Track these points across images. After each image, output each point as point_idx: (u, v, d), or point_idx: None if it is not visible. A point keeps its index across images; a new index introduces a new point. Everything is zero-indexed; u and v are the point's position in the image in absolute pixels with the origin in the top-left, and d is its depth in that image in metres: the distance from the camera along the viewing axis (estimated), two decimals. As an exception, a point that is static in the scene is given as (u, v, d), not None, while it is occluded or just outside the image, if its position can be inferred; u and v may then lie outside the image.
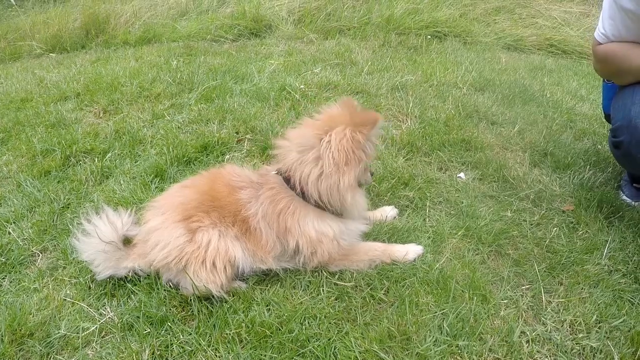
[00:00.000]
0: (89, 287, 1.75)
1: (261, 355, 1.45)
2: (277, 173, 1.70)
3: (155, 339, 1.51)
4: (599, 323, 1.60)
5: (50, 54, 5.90)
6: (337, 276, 1.77)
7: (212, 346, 1.49)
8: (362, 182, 1.79)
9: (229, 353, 1.46)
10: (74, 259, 1.86)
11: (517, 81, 4.09)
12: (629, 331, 1.56)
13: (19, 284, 1.82)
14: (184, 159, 2.63)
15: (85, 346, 1.54)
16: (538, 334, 1.55)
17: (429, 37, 5.41)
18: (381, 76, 3.94)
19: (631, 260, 1.90)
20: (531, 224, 2.12)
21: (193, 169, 2.54)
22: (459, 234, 2.02)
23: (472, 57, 4.79)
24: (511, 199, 2.29)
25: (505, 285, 1.76)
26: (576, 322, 1.60)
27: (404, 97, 3.45)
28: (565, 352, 1.50)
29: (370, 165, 1.82)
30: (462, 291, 1.70)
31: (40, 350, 1.51)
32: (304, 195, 1.66)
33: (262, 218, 1.67)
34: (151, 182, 2.42)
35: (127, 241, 1.81)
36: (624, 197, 2.31)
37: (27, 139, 3.01)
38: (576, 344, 1.52)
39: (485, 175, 2.49)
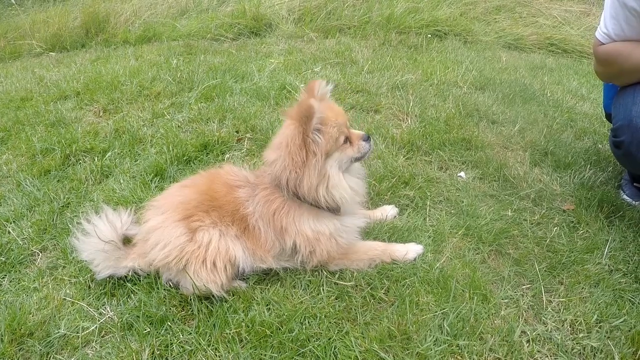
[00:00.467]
0: (89, 287, 1.75)
1: (261, 354, 1.45)
2: (271, 180, 1.70)
3: (155, 338, 1.51)
4: (600, 323, 1.60)
5: (50, 53, 5.89)
6: (337, 276, 1.77)
7: (212, 346, 1.48)
8: (357, 156, 1.72)
9: (229, 352, 1.46)
10: (73, 258, 1.86)
11: (518, 80, 4.08)
12: (629, 331, 1.56)
13: (18, 283, 1.82)
14: (184, 158, 2.62)
15: (85, 346, 1.54)
16: (538, 334, 1.55)
17: (430, 36, 5.40)
18: (381, 75, 3.93)
19: (632, 260, 1.89)
20: (532, 224, 2.11)
21: (193, 168, 2.54)
22: (460, 233, 2.01)
23: (473, 56, 4.78)
24: (512, 198, 2.29)
25: (505, 284, 1.75)
26: (577, 322, 1.59)
27: (405, 96, 3.44)
28: (566, 351, 1.50)
29: (365, 131, 1.76)
30: (463, 291, 1.70)
31: (40, 349, 1.51)
32: (297, 196, 1.65)
33: (259, 217, 1.67)
34: (151, 181, 2.41)
35: (127, 240, 1.81)
36: (625, 197, 2.31)
37: (27, 138, 3.01)
38: (577, 343, 1.52)
39: (486, 175, 2.49)
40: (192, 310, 1.61)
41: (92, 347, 1.53)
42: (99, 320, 1.60)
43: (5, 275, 1.86)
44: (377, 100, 3.38)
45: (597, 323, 1.59)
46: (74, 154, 2.75)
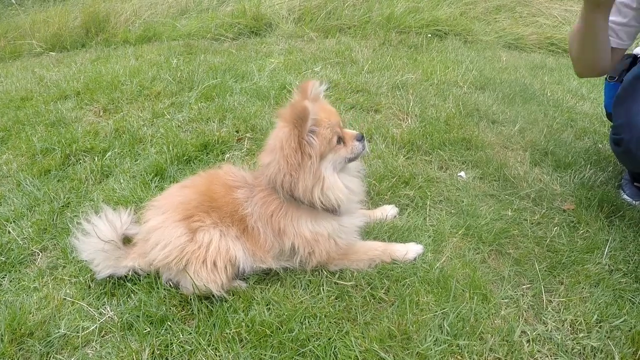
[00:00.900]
0: (89, 287, 1.75)
1: (261, 354, 1.45)
2: (267, 182, 1.69)
3: (155, 338, 1.51)
4: (600, 322, 1.59)
5: (50, 53, 5.90)
6: (337, 275, 1.77)
7: (212, 345, 1.48)
8: (351, 157, 1.72)
9: (229, 352, 1.46)
10: (73, 258, 1.86)
11: (518, 80, 4.08)
12: (629, 331, 1.56)
13: (18, 283, 1.82)
14: (184, 158, 2.62)
15: (85, 345, 1.54)
16: (539, 334, 1.55)
17: (430, 35, 5.40)
18: (381, 75, 3.93)
19: (632, 260, 1.89)
20: (532, 223, 2.11)
21: (193, 167, 2.54)
22: (460, 233, 2.01)
23: (473, 56, 4.78)
24: (512, 198, 2.29)
25: (505, 284, 1.75)
26: (577, 322, 1.59)
27: (405, 95, 3.44)
28: (566, 351, 1.50)
29: (357, 131, 1.75)
30: (463, 290, 1.70)
31: (40, 349, 1.51)
32: (293, 198, 1.64)
33: (258, 218, 1.67)
34: (151, 181, 2.41)
35: (127, 240, 1.81)
36: (625, 197, 2.31)
37: (27, 138, 3.01)
38: (577, 343, 1.52)
39: (486, 174, 2.49)
40: (192, 310, 1.61)
41: (92, 347, 1.53)
42: (99, 320, 1.60)
43: (6, 275, 1.86)
44: (377, 100, 3.38)
45: (597, 323, 1.59)
46: (74, 154, 2.75)
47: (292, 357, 1.44)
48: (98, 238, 1.67)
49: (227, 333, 1.51)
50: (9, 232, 2.08)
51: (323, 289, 1.70)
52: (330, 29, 5.62)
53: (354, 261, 1.78)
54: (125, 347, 1.49)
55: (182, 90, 3.71)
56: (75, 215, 2.12)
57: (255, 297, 1.66)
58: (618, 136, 1.97)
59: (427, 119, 3.04)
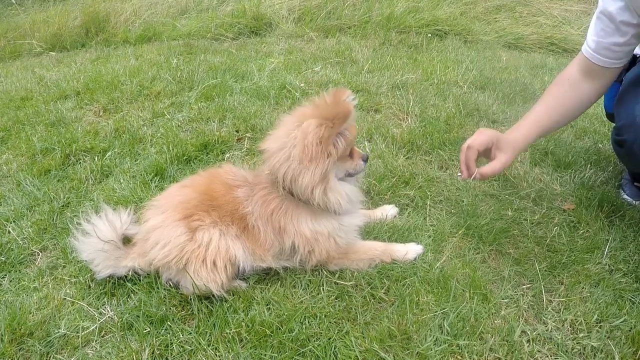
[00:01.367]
0: (89, 286, 1.75)
1: (261, 354, 1.45)
2: (268, 173, 1.69)
3: (155, 338, 1.51)
4: (600, 322, 1.59)
5: (50, 53, 5.90)
6: (337, 275, 1.77)
7: (212, 345, 1.48)
8: (351, 172, 1.74)
9: (229, 352, 1.46)
10: (73, 258, 1.86)
11: (518, 80, 4.08)
12: (629, 331, 1.56)
13: (18, 283, 1.82)
14: (184, 158, 2.62)
15: (85, 345, 1.54)
16: (539, 334, 1.55)
17: (430, 35, 5.39)
18: (381, 74, 3.93)
19: (632, 260, 1.89)
20: (532, 223, 2.11)
21: (193, 167, 2.54)
22: (460, 232, 2.01)
23: (473, 56, 4.78)
24: (512, 198, 2.29)
25: (505, 284, 1.75)
26: (577, 322, 1.59)
27: (405, 95, 3.44)
28: (566, 351, 1.49)
29: (364, 151, 1.77)
30: (463, 290, 1.70)
31: (40, 349, 1.51)
32: (291, 193, 1.64)
33: (258, 217, 1.67)
34: (151, 180, 2.41)
35: (127, 240, 1.81)
36: (625, 196, 2.31)
37: (27, 138, 3.01)
38: (577, 343, 1.52)
39: (486, 174, 2.48)
40: (192, 310, 1.61)
41: (92, 347, 1.53)
42: (99, 320, 1.60)
43: (5, 275, 1.86)
44: (377, 100, 3.38)
45: (597, 323, 1.59)
46: (74, 154, 2.75)
47: (292, 357, 1.44)
48: (98, 238, 1.67)
49: (227, 333, 1.51)
50: (9, 232, 2.08)
51: (323, 289, 1.69)
52: (330, 29, 5.62)
53: (354, 261, 1.78)
54: (125, 347, 1.49)
55: (182, 90, 3.71)
56: (75, 215, 2.12)
57: (255, 297, 1.66)
58: (620, 137, 1.95)
59: (427, 119, 3.04)
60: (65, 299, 1.71)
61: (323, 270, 1.77)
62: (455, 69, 4.13)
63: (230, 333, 1.51)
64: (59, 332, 1.57)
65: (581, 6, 6.45)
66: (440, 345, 1.47)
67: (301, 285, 1.73)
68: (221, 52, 4.97)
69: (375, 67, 4.17)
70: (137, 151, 2.77)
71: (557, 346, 1.51)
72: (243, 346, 1.49)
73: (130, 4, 6.66)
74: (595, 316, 1.60)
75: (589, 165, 2.56)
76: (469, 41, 5.53)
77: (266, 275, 1.77)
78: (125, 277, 1.73)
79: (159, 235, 1.61)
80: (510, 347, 1.49)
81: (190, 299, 1.63)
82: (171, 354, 1.47)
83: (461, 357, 1.46)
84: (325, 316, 1.58)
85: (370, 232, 1.99)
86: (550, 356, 1.48)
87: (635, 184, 2.31)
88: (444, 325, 1.54)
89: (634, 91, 1.94)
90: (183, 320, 1.59)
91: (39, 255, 1.97)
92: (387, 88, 3.62)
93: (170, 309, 1.62)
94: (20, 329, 1.56)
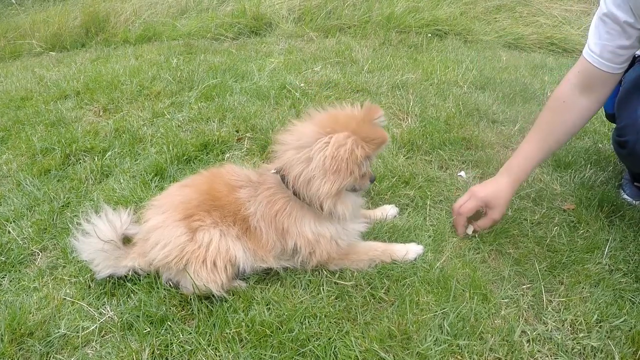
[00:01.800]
0: (89, 286, 1.75)
1: (261, 354, 1.45)
2: (275, 172, 1.69)
3: (155, 338, 1.51)
4: (600, 322, 1.59)
5: (50, 53, 5.90)
6: (337, 275, 1.77)
7: (212, 345, 1.48)
8: (357, 188, 1.72)
9: (229, 352, 1.46)
10: (73, 258, 1.86)
11: (518, 79, 4.07)
12: (629, 331, 1.56)
13: (18, 283, 1.82)
14: (184, 158, 2.62)
15: (85, 345, 1.54)
16: (539, 334, 1.55)
17: (430, 35, 5.39)
18: (381, 74, 3.93)
19: (632, 260, 1.89)
20: (532, 223, 2.11)
21: (193, 167, 2.54)
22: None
23: (473, 56, 4.78)
24: (512, 198, 2.28)
25: (505, 284, 1.75)
26: (577, 322, 1.59)
27: (405, 95, 3.44)
28: (566, 351, 1.50)
29: (372, 172, 1.76)
30: (463, 290, 1.70)
31: (40, 349, 1.51)
32: (299, 196, 1.64)
33: (260, 218, 1.67)
34: (151, 180, 2.41)
35: (127, 240, 1.81)
36: (625, 196, 2.30)
37: (27, 138, 3.01)
38: (577, 343, 1.52)
39: (486, 174, 2.48)
40: (192, 310, 1.61)
41: (92, 347, 1.53)
42: (99, 320, 1.60)
43: (5, 275, 1.86)
44: (377, 100, 3.38)
45: (597, 323, 1.59)
46: (74, 154, 2.75)
47: (292, 357, 1.44)
48: (98, 238, 1.67)
49: (227, 333, 1.51)
50: (9, 232, 2.08)
51: (323, 289, 1.69)
52: (330, 29, 5.61)
53: (354, 261, 1.78)
54: (125, 347, 1.49)
55: (182, 90, 3.71)
56: (75, 215, 2.12)
57: (255, 297, 1.66)
58: (622, 138, 1.95)
59: (427, 119, 3.04)
60: (65, 299, 1.71)
61: (323, 270, 1.77)
62: (455, 69, 4.12)
63: (230, 333, 1.51)
64: (59, 332, 1.57)
65: (581, 6, 6.45)
66: (440, 345, 1.47)
67: (301, 285, 1.73)
68: (221, 52, 4.97)
69: (375, 67, 4.17)
70: (137, 151, 2.77)
71: (557, 346, 1.51)
72: (243, 346, 1.49)
73: (130, 4, 6.66)
74: (595, 316, 1.60)
75: (589, 165, 2.56)
76: (469, 41, 5.53)
77: (266, 275, 1.77)
78: (125, 277, 1.73)
79: (159, 236, 1.60)
80: (510, 347, 1.49)
81: (190, 299, 1.63)
82: (171, 354, 1.47)
83: (461, 357, 1.46)
84: (325, 316, 1.58)
85: (370, 232, 1.99)
86: (550, 356, 1.49)
87: (635, 184, 2.31)
88: (444, 325, 1.54)
89: (635, 92, 1.94)
90: (183, 320, 1.59)
91: (39, 255, 1.97)
92: (387, 88, 3.62)
93: (170, 309, 1.62)
94: (20, 329, 1.56)
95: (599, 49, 1.81)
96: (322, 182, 1.54)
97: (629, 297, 1.71)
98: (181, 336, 1.52)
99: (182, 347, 1.49)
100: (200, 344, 1.48)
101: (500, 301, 1.67)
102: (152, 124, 3.14)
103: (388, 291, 1.70)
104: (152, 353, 1.47)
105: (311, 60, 4.39)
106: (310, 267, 1.75)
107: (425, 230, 2.03)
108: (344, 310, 1.61)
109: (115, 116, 3.30)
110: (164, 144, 2.75)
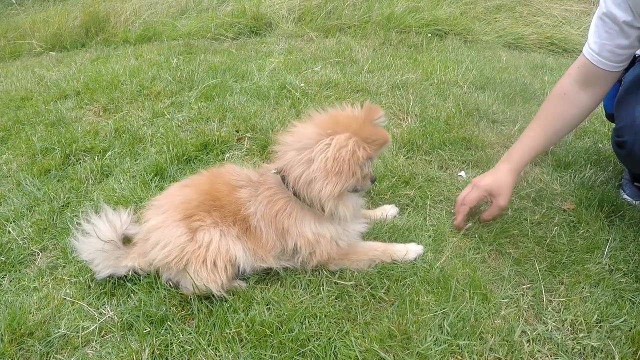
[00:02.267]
0: (89, 286, 1.75)
1: (261, 354, 1.45)
2: (276, 172, 1.68)
3: (155, 338, 1.51)
4: (600, 322, 1.59)
5: (50, 53, 5.90)
6: (337, 275, 1.77)
7: (212, 345, 1.48)
8: (357, 189, 1.72)
9: (229, 352, 1.46)
10: (73, 258, 1.86)
11: (518, 79, 4.07)
12: (629, 331, 1.56)
13: (18, 283, 1.82)
14: (184, 158, 2.62)
15: (85, 345, 1.54)
16: (539, 333, 1.55)
17: (430, 35, 5.39)
18: (382, 74, 3.93)
19: (632, 260, 1.89)
20: (532, 223, 2.11)
21: (193, 167, 2.54)
22: (460, 232, 2.01)
23: (473, 56, 4.77)
24: (512, 198, 2.28)
25: (505, 284, 1.75)
26: (577, 322, 1.59)
27: (405, 95, 3.44)
28: (566, 351, 1.50)
29: (372, 172, 1.76)
30: (463, 290, 1.70)
31: (40, 349, 1.51)
32: (299, 197, 1.63)
33: (261, 218, 1.67)
34: (151, 180, 2.41)
35: (127, 240, 1.81)
36: (625, 196, 2.30)
37: (27, 138, 3.01)
38: (577, 343, 1.52)
39: (486, 174, 2.48)
40: (192, 310, 1.61)
41: (92, 347, 1.53)
42: (99, 320, 1.60)
43: (5, 275, 1.86)
44: (377, 100, 3.37)
45: (597, 323, 1.59)
46: (74, 154, 2.75)
47: (292, 357, 1.44)
48: (98, 238, 1.67)
49: (227, 333, 1.51)
50: (9, 232, 2.09)
51: (323, 289, 1.69)
52: (330, 29, 5.61)
53: (354, 261, 1.78)
54: (125, 347, 1.49)
55: (182, 89, 3.71)
56: (75, 215, 2.12)
57: (255, 297, 1.66)
58: (621, 138, 1.95)
59: (427, 119, 3.04)
60: (65, 299, 1.71)
61: (323, 270, 1.77)
62: (455, 69, 4.12)
63: (230, 333, 1.51)
64: (59, 332, 1.57)
65: (581, 6, 6.45)
66: (440, 345, 1.47)
67: (301, 285, 1.73)
68: (221, 52, 4.97)
69: (375, 67, 4.17)
70: (137, 151, 2.77)
71: (557, 346, 1.51)
72: (243, 346, 1.49)
73: (130, 4, 6.66)
74: (595, 316, 1.60)
75: (589, 165, 2.56)
76: (469, 41, 5.53)
77: (266, 275, 1.77)
78: (125, 277, 1.73)
79: (159, 236, 1.60)
80: (510, 347, 1.49)
81: (190, 299, 1.63)
82: (171, 354, 1.47)
83: (461, 357, 1.46)
84: (325, 316, 1.58)
85: (370, 232, 1.99)
86: (550, 356, 1.49)
87: (635, 184, 2.31)
88: (444, 325, 1.54)
89: (634, 92, 1.94)
90: (183, 320, 1.59)
91: (39, 255, 1.97)
92: (387, 88, 3.62)
93: (170, 309, 1.62)
94: (20, 329, 1.56)
95: (598, 47, 1.84)
96: (324, 184, 1.54)
97: (629, 297, 1.71)
98: (181, 336, 1.52)
99: (182, 347, 1.49)
100: (200, 344, 1.48)
101: (500, 301, 1.67)
102: (152, 124, 3.14)
103: (388, 291, 1.70)
104: (152, 353, 1.47)
105: (311, 60, 4.39)
106: (310, 267, 1.75)
107: (425, 230, 2.03)
108: (344, 310, 1.61)
109: (115, 116, 3.30)
110: (164, 144, 2.75)
